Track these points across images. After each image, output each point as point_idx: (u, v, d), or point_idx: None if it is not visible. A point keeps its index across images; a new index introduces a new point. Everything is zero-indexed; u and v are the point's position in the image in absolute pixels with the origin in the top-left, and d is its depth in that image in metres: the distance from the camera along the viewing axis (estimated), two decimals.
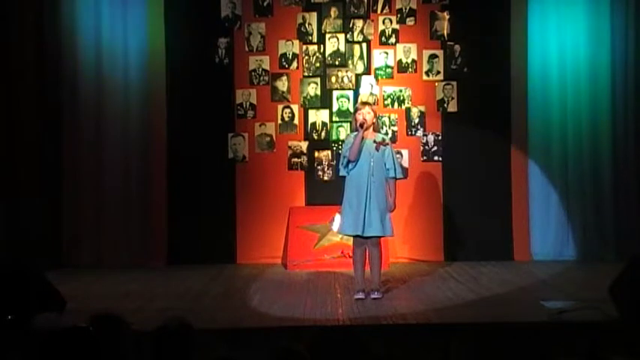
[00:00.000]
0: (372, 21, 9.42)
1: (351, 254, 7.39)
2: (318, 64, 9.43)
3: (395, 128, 9.36)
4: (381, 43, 9.43)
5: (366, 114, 6.97)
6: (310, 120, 9.43)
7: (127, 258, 9.13)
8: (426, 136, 9.42)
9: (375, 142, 6.99)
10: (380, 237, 7.05)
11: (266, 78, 9.40)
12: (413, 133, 9.41)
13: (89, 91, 9.22)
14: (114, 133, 9.25)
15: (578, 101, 9.36)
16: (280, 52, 9.40)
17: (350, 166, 7.00)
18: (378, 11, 9.43)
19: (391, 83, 9.42)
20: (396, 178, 7.09)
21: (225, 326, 6.03)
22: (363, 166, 6.96)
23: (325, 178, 9.38)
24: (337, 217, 7.46)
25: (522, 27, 9.36)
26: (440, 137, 9.41)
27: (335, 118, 9.43)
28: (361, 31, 9.42)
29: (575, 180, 9.38)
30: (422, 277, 8.21)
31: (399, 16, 9.42)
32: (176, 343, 3.72)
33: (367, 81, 9.40)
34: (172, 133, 9.30)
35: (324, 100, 9.43)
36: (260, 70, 9.39)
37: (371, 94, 9.34)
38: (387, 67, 9.41)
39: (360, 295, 7.02)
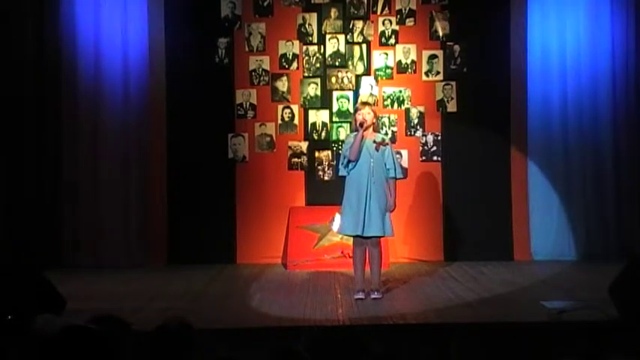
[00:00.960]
0: (372, 22, 9.42)
1: (351, 254, 7.40)
2: (318, 65, 9.43)
3: (394, 128, 9.36)
4: (381, 44, 9.43)
5: (365, 114, 6.98)
6: (310, 120, 9.43)
7: (127, 258, 9.13)
8: (426, 136, 9.42)
9: (374, 142, 6.99)
10: (380, 237, 7.05)
11: (266, 78, 9.40)
12: (412, 133, 9.41)
13: (89, 91, 9.22)
14: (113, 132, 9.25)
15: (578, 101, 9.36)
16: (280, 52, 9.40)
17: (350, 165, 7.01)
18: (378, 12, 9.43)
19: (391, 84, 9.42)
20: (396, 178, 7.09)
21: (225, 326, 6.03)
22: (363, 166, 6.96)
23: (325, 178, 9.38)
24: (337, 217, 7.46)
25: (522, 27, 9.37)
26: (439, 137, 9.42)
27: (335, 119, 9.43)
28: (361, 32, 9.42)
29: (575, 180, 9.38)
30: (422, 277, 8.22)
31: (398, 16, 9.42)
32: (176, 343, 3.72)
33: (367, 82, 9.41)
34: (172, 133, 9.30)
35: (324, 101, 9.43)
36: (260, 70, 9.40)
37: (371, 94, 9.34)
38: (387, 67, 9.41)
39: (360, 295, 7.02)
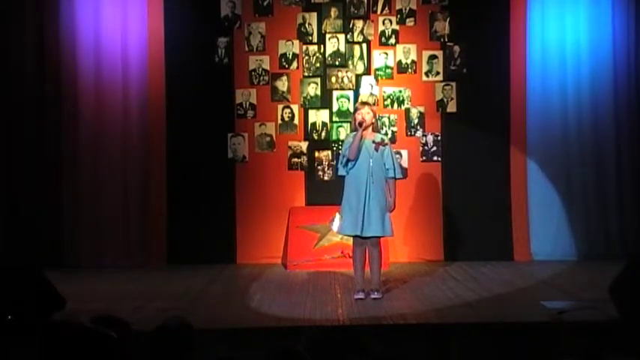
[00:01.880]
0: (372, 21, 9.42)
1: (351, 254, 7.39)
2: (318, 65, 9.43)
3: (394, 129, 9.36)
4: (381, 44, 9.43)
5: (365, 114, 6.97)
6: (310, 120, 9.43)
7: (127, 258, 9.13)
8: (426, 136, 9.42)
9: (374, 142, 6.99)
10: (380, 237, 7.05)
11: (266, 78, 9.40)
12: (412, 133, 9.41)
13: (89, 91, 9.21)
14: (113, 132, 9.25)
15: (578, 101, 9.36)
16: (280, 52, 9.40)
17: (349, 165, 7.00)
18: (378, 12, 9.43)
19: (391, 84, 9.42)
20: (395, 178, 7.08)
21: (225, 326, 6.03)
22: (363, 166, 6.96)
23: (325, 178, 9.38)
24: (337, 217, 7.45)
25: (522, 27, 9.37)
26: (439, 138, 9.42)
27: (335, 119, 9.43)
28: (361, 32, 9.42)
29: (575, 179, 9.38)
30: (422, 277, 8.21)
31: (398, 16, 9.42)
32: (176, 343, 3.72)
33: (367, 81, 9.40)
34: (172, 133, 9.30)
35: (324, 101, 9.43)
36: (260, 70, 9.40)
37: (371, 94, 9.34)
38: (387, 67, 9.41)
39: (360, 295, 7.01)
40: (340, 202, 7.15)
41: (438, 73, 9.42)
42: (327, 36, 9.43)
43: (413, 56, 9.41)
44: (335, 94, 9.43)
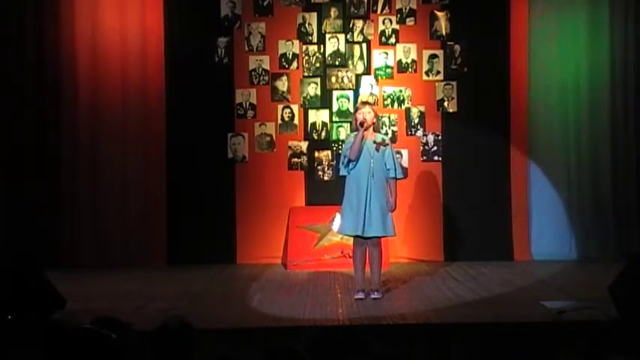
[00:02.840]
0: (372, 21, 9.42)
1: (351, 254, 7.39)
2: (318, 64, 9.43)
3: (395, 128, 9.36)
4: (381, 44, 9.43)
5: (366, 113, 6.97)
6: (310, 120, 9.43)
7: (127, 258, 9.12)
8: (426, 136, 9.42)
9: (374, 142, 6.98)
10: (380, 237, 7.05)
11: (266, 78, 9.40)
12: (413, 133, 9.41)
13: (88, 91, 9.21)
14: (113, 132, 9.24)
15: (578, 101, 9.37)
16: (280, 52, 9.40)
17: (350, 165, 7.00)
18: (378, 11, 9.43)
19: (391, 83, 9.42)
20: (396, 178, 7.08)
21: (225, 326, 6.03)
22: (363, 166, 6.95)
23: (325, 178, 9.38)
24: (337, 217, 7.45)
25: (522, 26, 9.37)
26: (440, 137, 9.41)
27: (335, 118, 9.43)
28: (361, 32, 9.42)
29: (575, 180, 9.39)
30: (422, 277, 8.21)
31: (398, 16, 9.42)
32: (176, 343, 3.72)
33: (367, 81, 9.40)
34: (172, 132, 9.29)
35: (324, 100, 9.43)
36: (260, 69, 9.39)
37: (371, 94, 9.34)
38: (387, 67, 9.41)
39: (360, 295, 7.01)
40: (341, 202, 7.15)
41: (438, 73, 9.42)
42: (327, 36, 9.43)
43: (413, 56, 9.41)
44: (335, 94, 9.43)
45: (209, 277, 8.29)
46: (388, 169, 7.01)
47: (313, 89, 9.41)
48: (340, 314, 6.48)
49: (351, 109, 8.95)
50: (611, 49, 9.33)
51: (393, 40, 9.42)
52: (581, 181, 9.38)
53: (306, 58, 9.42)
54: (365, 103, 7.26)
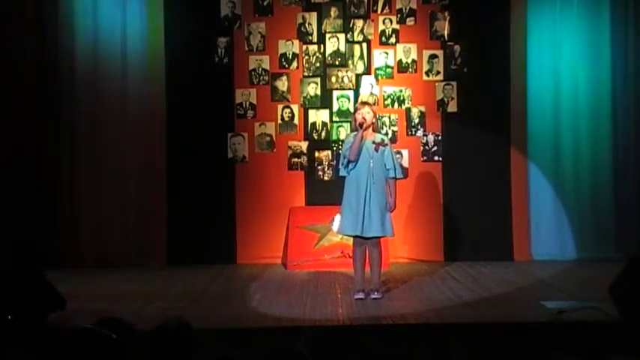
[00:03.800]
0: (372, 21, 9.42)
1: (351, 254, 7.39)
2: (318, 64, 9.43)
3: (395, 128, 9.36)
4: (381, 43, 9.43)
5: (365, 114, 6.96)
6: (310, 120, 9.43)
7: (127, 258, 9.12)
8: (426, 136, 9.42)
9: (374, 142, 6.98)
10: (380, 237, 7.04)
11: (266, 78, 9.40)
12: (413, 133, 9.41)
13: (88, 91, 9.22)
14: (113, 132, 9.25)
15: (577, 101, 9.37)
16: (280, 51, 9.40)
17: (350, 166, 7.00)
18: (378, 11, 9.43)
19: (391, 83, 9.42)
20: (396, 179, 7.08)
21: (225, 326, 6.03)
22: (363, 167, 6.95)
23: (325, 178, 9.38)
24: (337, 217, 7.45)
25: (522, 27, 9.37)
26: (440, 137, 9.41)
27: (335, 118, 9.43)
28: (361, 31, 9.42)
29: (575, 179, 9.39)
30: (422, 277, 8.21)
31: (399, 16, 9.42)
32: (176, 343, 3.72)
33: (367, 81, 9.40)
34: (172, 132, 9.30)
35: (324, 100, 9.43)
36: (260, 69, 9.39)
37: (371, 94, 9.33)
38: (387, 67, 9.41)
39: (360, 295, 7.01)
40: (340, 202, 7.15)
41: (438, 73, 9.42)
42: (327, 36, 9.43)
43: (413, 56, 9.41)
44: (335, 93, 9.43)
45: (209, 277, 8.29)
46: (388, 169, 7.01)
47: (313, 89, 9.41)
48: (340, 314, 6.48)
49: (352, 109, 8.95)
50: (612, 49, 9.33)
51: (393, 40, 9.42)
52: (581, 181, 9.38)
53: (306, 57, 9.42)
54: (364, 103, 7.25)
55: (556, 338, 5.64)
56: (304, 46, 9.42)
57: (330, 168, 9.35)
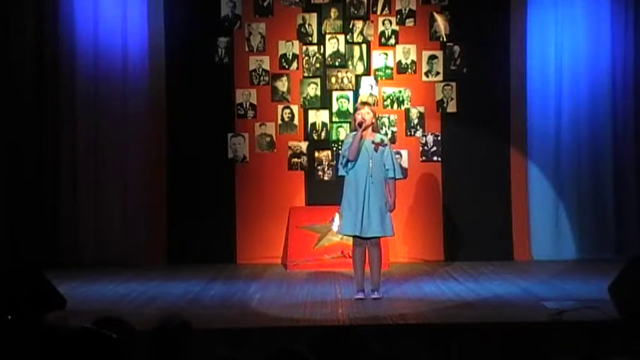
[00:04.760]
0: (372, 22, 9.42)
1: (351, 254, 7.39)
2: (318, 65, 9.43)
3: (394, 129, 9.36)
4: (381, 44, 9.43)
5: (365, 114, 6.97)
6: (310, 120, 9.43)
7: (127, 258, 9.12)
8: (426, 136, 9.42)
9: (373, 142, 6.98)
10: (379, 237, 7.05)
11: (266, 78, 9.40)
12: (412, 133, 9.41)
13: (88, 91, 9.22)
14: (113, 132, 9.26)
15: (577, 101, 9.37)
16: (280, 52, 9.40)
17: (349, 165, 7.00)
18: (378, 12, 9.43)
19: (391, 84, 9.42)
20: (395, 179, 7.08)
21: (225, 326, 6.03)
22: (362, 167, 6.95)
23: (325, 178, 9.38)
24: (337, 217, 7.45)
25: (522, 27, 9.37)
26: (439, 138, 9.42)
27: (335, 119, 9.43)
28: (361, 32, 9.42)
29: (575, 180, 9.39)
30: (422, 277, 8.21)
31: (398, 17, 9.42)
32: (175, 342, 3.72)
33: (367, 82, 9.40)
34: (172, 133, 9.30)
35: (324, 101, 9.43)
36: (260, 70, 9.40)
37: (371, 94, 9.34)
38: (387, 67, 9.41)
39: (360, 295, 7.01)
40: (340, 202, 7.15)
41: (437, 74, 9.42)
42: (327, 36, 9.43)
43: (413, 56, 9.41)
44: (335, 94, 9.44)
45: (209, 277, 8.28)
46: (387, 170, 7.01)
47: (313, 90, 9.42)
48: (340, 314, 6.48)
49: (351, 110, 8.95)
50: (612, 50, 9.33)
51: (392, 40, 9.42)
52: (581, 181, 9.38)
53: (306, 58, 9.42)
54: (364, 103, 7.25)
55: (556, 338, 5.64)
56: (304, 47, 9.42)
57: (330, 168, 9.36)
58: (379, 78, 9.41)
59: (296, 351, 3.32)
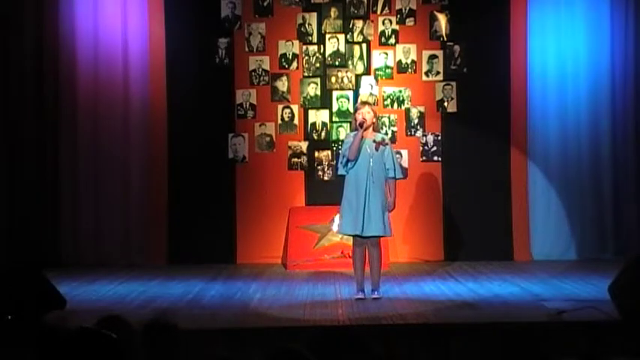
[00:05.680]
0: (372, 21, 9.42)
1: (351, 254, 7.39)
2: (318, 65, 9.43)
3: (394, 128, 9.36)
4: (381, 44, 9.43)
5: (365, 113, 6.96)
6: (310, 120, 9.43)
7: (127, 258, 9.13)
8: (426, 136, 9.42)
9: (374, 141, 6.98)
10: (379, 237, 7.04)
11: (266, 78, 9.40)
12: (412, 133, 9.41)
13: (88, 91, 9.23)
14: (113, 133, 9.26)
15: (577, 101, 9.37)
16: (280, 52, 9.40)
17: (349, 165, 6.99)
18: (378, 12, 9.43)
19: (391, 84, 9.42)
20: (395, 178, 7.08)
21: (225, 326, 6.03)
22: (363, 166, 6.95)
23: (325, 178, 9.38)
24: (337, 217, 7.45)
25: (522, 27, 9.37)
26: (439, 137, 9.42)
27: (335, 119, 9.43)
28: (361, 32, 9.42)
29: (575, 179, 9.39)
30: (422, 277, 8.21)
31: (398, 16, 9.42)
32: (163, 341, 3.70)
33: (367, 81, 9.40)
34: (172, 133, 9.31)
35: (324, 101, 9.43)
36: (260, 70, 9.40)
37: (371, 94, 9.34)
38: (387, 67, 9.41)
39: (360, 295, 7.01)
40: (340, 202, 7.15)
41: (438, 73, 9.42)
42: (327, 36, 9.43)
43: (413, 56, 9.41)
44: (335, 94, 9.44)
45: (209, 277, 8.28)
46: (387, 169, 7.00)
47: (313, 89, 9.42)
48: (340, 314, 6.47)
49: (351, 110, 8.95)
50: (612, 50, 9.33)
51: (392, 40, 9.42)
52: (581, 181, 9.38)
53: (306, 58, 9.42)
54: (364, 103, 7.26)
55: (556, 338, 5.64)
56: (304, 47, 9.42)
57: (330, 168, 9.36)
58: (379, 77, 9.41)
59: (296, 351, 3.32)
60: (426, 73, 9.43)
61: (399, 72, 9.42)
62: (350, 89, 9.42)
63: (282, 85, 9.40)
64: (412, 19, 9.43)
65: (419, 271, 8.63)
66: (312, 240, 9.03)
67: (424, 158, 9.42)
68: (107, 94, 9.25)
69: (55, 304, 6.09)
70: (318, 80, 9.42)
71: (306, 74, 9.42)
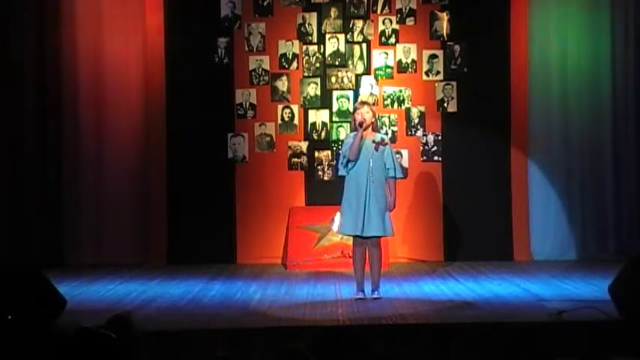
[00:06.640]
0: (372, 21, 9.42)
1: (351, 254, 7.39)
2: (318, 65, 9.43)
3: (395, 128, 9.36)
4: (381, 44, 9.43)
5: (365, 113, 6.96)
6: (310, 120, 9.43)
7: (127, 258, 9.13)
8: (426, 136, 9.42)
9: (374, 141, 6.98)
10: (380, 237, 7.04)
11: (266, 78, 9.40)
12: (413, 133, 9.41)
13: (88, 91, 9.23)
14: (113, 132, 9.26)
15: (578, 101, 9.37)
16: (280, 52, 9.40)
17: (349, 165, 6.99)
18: (378, 11, 9.43)
19: (391, 83, 9.42)
20: (396, 178, 7.07)
21: (225, 326, 6.02)
22: (363, 166, 6.95)
23: (325, 178, 9.38)
24: (337, 217, 7.45)
25: (522, 27, 9.37)
26: (440, 137, 9.41)
27: (335, 118, 9.43)
28: (361, 32, 9.42)
29: (575, 179, 9.39)
30: (422, 277, 8.21)
31: (398, 16, 9.42)
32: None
33: (367, 81, 9.40)
34: (172, 132, 9.30)
35: (324, 100, 9.43)
36: (260, 70, 9.40)
37: (371, 94, 9.34)
38: (387, 67, 9.41)
39: (360, 295, 7.01)
40: (340, 202, 7.15)
41: (438, 73, 9.42)
42: (327, 36, 9.43)
43: (413, 56, 9.41)
44: (335, 94, 9.43)
45: (209, 277, 8.29)
46: (388, 169, 7.00)
47: (313, 89, 9.42)
48: (340, 314, 6.47)
49: (351, 110, 8.94)
50: (612, 49, 9.33)
51: (393, 40, 9.42)
52: (582, 181, 9.38)
53: (306, 58, 9.42)
54: (364, 102, 7.25)
55: (556, 338, 5.64)
56: (304, 47, 9.42)
57: (330, 168, 9.35)
58: (379, 77, 9.41)
59: (296, 351, 3.32)
60: (427, 73, 9.42)
61: (399, 72, 9.42)
62: (350, 89, 9.41)
63: (282, 84, 9.40)
64: (412, 18, 9.42)
65: (419, 271, 8.63)
66: (312, 240, 9.03)
67: (424, 158, 9.42)
68: (107, 93, 9.25)
69: (55, 305, 6.08)
70: (318, 80, 9.42)
71: (306, 74, 9.42)
